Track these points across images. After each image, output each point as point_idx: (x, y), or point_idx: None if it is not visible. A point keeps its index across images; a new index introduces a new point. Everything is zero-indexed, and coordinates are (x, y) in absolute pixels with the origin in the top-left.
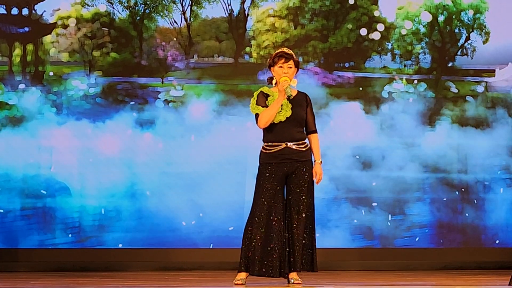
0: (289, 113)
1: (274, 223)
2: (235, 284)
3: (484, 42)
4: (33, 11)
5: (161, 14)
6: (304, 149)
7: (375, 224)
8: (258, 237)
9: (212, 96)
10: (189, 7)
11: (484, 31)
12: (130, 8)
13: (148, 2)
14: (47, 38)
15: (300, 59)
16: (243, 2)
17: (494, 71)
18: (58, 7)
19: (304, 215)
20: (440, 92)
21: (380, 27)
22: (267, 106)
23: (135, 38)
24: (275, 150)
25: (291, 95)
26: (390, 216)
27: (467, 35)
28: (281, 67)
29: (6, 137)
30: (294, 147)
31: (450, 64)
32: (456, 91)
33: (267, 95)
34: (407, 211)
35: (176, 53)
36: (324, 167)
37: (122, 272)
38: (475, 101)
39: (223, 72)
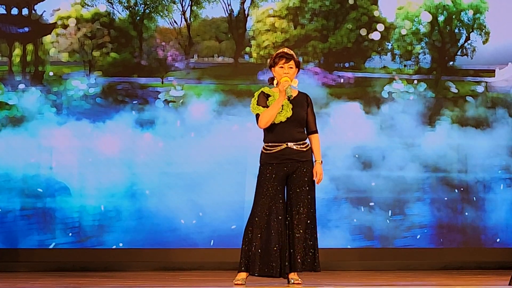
0: (289, 114)
1: (274, 223)
2: (235, 284)
3: (484, 42)
4: (33, 11)
5: (161, 14)
6: (304, 149)
7: (375, 224)
8: (259, 237)
9: (212, 96)
10: (189, 7)
11: (484, 31)
12: (130, 8)
13: (148, 2)
14: (47, 38)
15: (300, 59)
16: (243, 2)
17: (494, 71)
18: (58, 7)
19: (304, 215)
20: (440, 92)
21: (380, 27)
22: (267, 107)
23: (135, 38)
24: (276, 150)
25: (291, 96)
26: (390, 216)
27: (467, 35)
28: (282, 67)
29: (6, 137)
30: (294, 147)
31: (450, 64)
32: (456, 91)
33: (267, 95)
34: (407, 211)
35: (176, 53)
36: (324, 167)
37: (122, 272)
38: (475, 101)
39: (223, 72)
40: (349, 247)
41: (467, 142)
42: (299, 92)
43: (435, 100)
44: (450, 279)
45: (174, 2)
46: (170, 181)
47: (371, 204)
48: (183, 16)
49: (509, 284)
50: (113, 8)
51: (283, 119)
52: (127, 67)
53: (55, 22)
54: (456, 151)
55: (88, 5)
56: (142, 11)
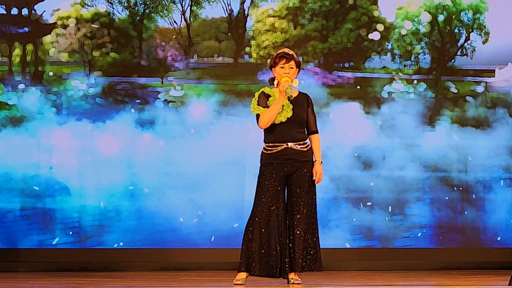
0: (290, 114)
1: (274, 223)
2: (235, 284)
3: (483, 42)
4: (33, 11)
5: (161, 14)
6: (305, 149)
7: (375, 224)
8: (259, 237)
9: (212, 96)
10: (189, 7)
11: (483, 31)
12: (130, 8)
13: (147, 2)
14: (47, 38)
15: (300, 59)
16: (242, 2)
17: (493, 71)
18: (57, 7)
19: (305, 215)
20: (440, 92)
21: (380, 27)
22: (268, 107)
23: (135, 38)
24: (276, 150)
25: (292, 96)
26: (390, 216)
27: (466, 35)
28: (282, 67)
29: (6, 137)
30: (295, 147)
31: (449, 64)
32: (455, 91)
33: (268, 96)
34: (407, 211)
35: (176, 53)
36: (324, 167)
37: (122, 272)
38: (475, 101)
39: (222, 72)
40: (349, 247)
41: (467, 142)
42: (299, 92)
43: (435, 100)
44: (449, 279)
45: (174, 2)
46: (170, 181)
47: (371, 204)
48: (183, 16)
49: (509, 284)
50: (113, 8)
51: (284, 120)
52: (127, 67)
53: (55, 22)
54: (456, 151)
55: (88, 5)
56: (142, 11)
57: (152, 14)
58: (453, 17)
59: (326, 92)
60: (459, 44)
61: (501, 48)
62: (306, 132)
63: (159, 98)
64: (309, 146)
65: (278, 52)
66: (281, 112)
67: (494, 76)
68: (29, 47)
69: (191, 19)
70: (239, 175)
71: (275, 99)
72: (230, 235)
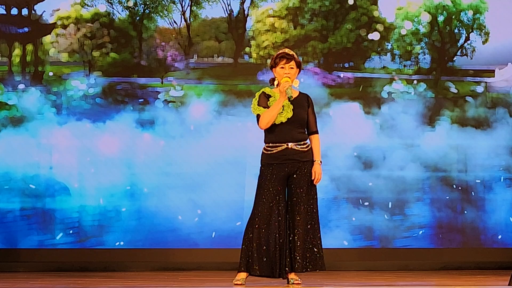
0: (290, 114)
1: (275, 223)
2: (235, 284)
3: (483, 42)
4: (33, 11)
5: (161, 14)
6: (305, 149)
7: (375, 224)
8: (259, 238)
9: (212, 97)
10: (189, 7)
11: (483, 31)
12: (130, 8)
13: (147, 2)
14: (47, 38)
15: (300, 60)
16: (242, 2)
17: (493, 71)
18: (57, 7)
19: (305, 216)
20: (439, 93)
21: (380, 27)
22: (268, 107)
23: (135, 38)
24: (277, 150)
25: (292, 96)
26: (390, 216)
27: (466, 35)
28: (283, 67)
29: (6, 137)
30: (295, 147)
31: (449, 64)
32: (455, 91)
33: (268, 96)
34: (407, 211)
35: (176, 53)
36: (324, 167)
37: (122, 272)
38: (475, 101)
39: (222, 72)
40: (349, 247)
41: (467, 142)
42: (300, 92)
43: (435, 100)
44: (449, 279)
45: (173, 2)
46: (170, 181)
47: (371, 204)
48: (182, 16)
49: (509, 284)
50: (112, 8)
51: (284, 120)
52: (126, 67)
53: (55, 22)
54: (456, 151)
55: (87, 5)
56: (142, 11)
57: (152, 14)
58: (453, 17)
59: (326, 92)
60: (459, 44)
61: (501, 48)
62: (306, 132)
63: (159, 98)
64: (310, 146)
65: (278, 52)
66: (282, 112)
67: (494, 76)
68: (29, 47)
69: (191, 19)
70: (239, 175)
71: (276, 99)
72: (230, 235)
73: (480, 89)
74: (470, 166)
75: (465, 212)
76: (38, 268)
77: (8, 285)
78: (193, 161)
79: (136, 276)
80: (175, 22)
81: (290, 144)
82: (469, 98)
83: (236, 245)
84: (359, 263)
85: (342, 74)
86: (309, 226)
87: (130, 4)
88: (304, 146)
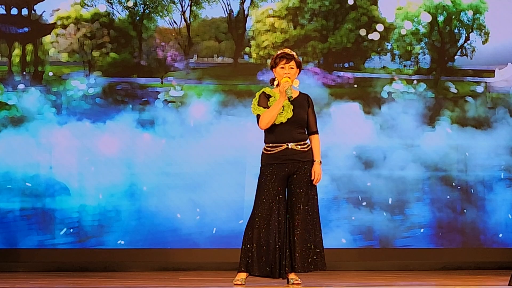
0: (290, 114)
1: (275, 223)
2: (235, 284)
3: (483, 43)
4: (33, 11)
5: (161, 14)
6: (305, 150)
7: (375, 224)
8: (259, 238)
9: (212, 97)
10: (189, 7)
11: (483, 31)
12: (130, 9)
13: (147, 3)
14: (47, 38)
15: (300, 59)
16: (242, 3)
17: (493, 71)
18: (57, 7)
19: (305, 216)
20: (439, 93)
21: (380, 27)
22: (268, 107)
23: (135, 38)
24: (277, 151)
25: (292, 97)
26: (390, 216)
27: (466, 35)
28: (283, 68)
29: (6, 137)
30: (295, 147)
31: (449, 65)
32: (455, 91)
33: (268, 96)
34: (407, 211)
35: (176, 53)
36: (324, 167)
37: (122, 272)
38: (475, 101)
39: (222, 72)
40: (349, 247)
41: (467, 142)
42: (300, 92)
43: (435, 100)
44: (449, 279)
45: (173, 2)
46: (170, 181)
47: (371, 204)
48: (182, 16)
49: (509, 285)
50: (112, 8)
51: (284, 120)
52: (126, 67)
53: (55, 22)
54: (456, 151)
55: (87, 5)
56: (142, 11)
57: (152, 14)
58: (453, 17)
59: (326, 92)
60: (459, 44)
61: (501, 48)
62: (306, 133)
63: (159, 98)
64: (310, 146)
65: (278, 52)
66: (282, 112)
67: (494, 76)
68: (29, 47)
69: (191, 19)
70: (239, 175)
71: (276, 99)
72: (230, 235)
73: (480, 89)
74: (470, 166)
75: (465, 212)
76: (38, 268)
77: (8, 285)
78: (193, 161)
79: (136, 276)
80: (175, 22)
81: (290, 144)
82: (469, 98)
83: (236, 245)
84: (359, 263)
85: (342, 74)
86: (310, 226)
87: (130, 4)
88: (304, 146)
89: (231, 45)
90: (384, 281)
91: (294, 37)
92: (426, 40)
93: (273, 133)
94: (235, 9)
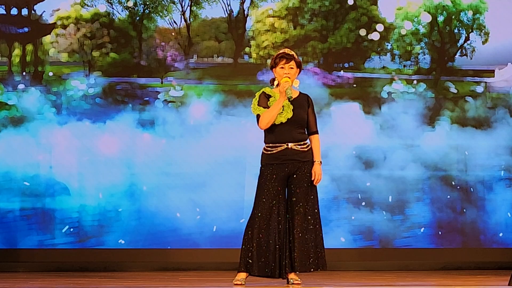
0: (290, 115)
1: (275, 223)
2: (235, 284)
3: (483, 43)
4: (33, 11)
5: (161, 14)
6: (305, 149)
7: (375, 224)
8: (258, 238)
9: (212, 97)
10: (189, 7)
11: (483, 31)
12: (130, 9)
13: (147, 3)
14: (47, 38)
15: (300, 59)
16: (242, 3)
17: (493, 71)
18: (57, 8)
19: (305, 216)
20: (439, 93)
21: (380, 27)
22: (268, 107)
23: (135, 38)
24: (277, 151)
25: (291, 97)
26: (390, 216)
27: (466, 35)
28: (283, 68)
29: (6, 137)
30: (295, 147)
31: (449, 65)
32: (455, 91)
33: (269, 96)
34: (407, 211)
35: (176, 53)
36: (325, 167)
37: (121, 272)
38: (474, 102)
39: (222, 72)
40: (349, 247)
41: (467, 142)
42: (300, 93)
43: (435, 100)
44: (449, 280)
45: (173, 3)
46: (170, 181)
47: (371, 204)
48: (182, 16)
49: (509, 285)
50: (112, 8)
51: (284, 120)
52: (126, 67)
53: (55, 22)
54: (456, 151)
55: (87, 5)
56: (142, 11)
57: (152, 14)
58: (453, 17)
59: (326, 92)
60: (458, 44)
61: (500, 48)
62: (306, 133)
63: (158, 98)
64: (310, 146)
65: (278, 52)
66: (281, 112)
67: (493, 76)
68: (29, 47)
69: (191, 19)
70: (239, 175)
71: (276, 99)
72: (230, 235)
73: (480, 89)
74: (470, 166)
75: (465, 212)
76: (38, 268)
77: (8, 285)
78: (193, 161)
79: (136, 276)
80: (175, 22)
81: (290, 144)
82: (469, 98)
83: (236, 245)
84: (359, 263)
85: (342, 74)
86: (310, 226)
87: (130, 4)
88: (304, 146)
89: (231, 45)
90: (384, 281)
91: (294, 37)
92: (426, 40)
93: (273, 133)
94: (235, 9)
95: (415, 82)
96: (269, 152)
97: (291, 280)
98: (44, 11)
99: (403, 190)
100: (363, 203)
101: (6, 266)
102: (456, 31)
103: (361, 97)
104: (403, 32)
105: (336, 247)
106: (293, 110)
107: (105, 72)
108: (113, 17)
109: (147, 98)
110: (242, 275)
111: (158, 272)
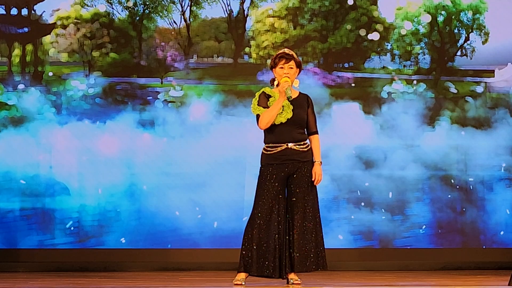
0: (290, 115)
1: (274, 224)
2: (235, 284)
3: (483, 43)
4: (33, 11)
5: (161, 14)
6: (305, 150)
7: (375, 224)
8: (258, 238)
9: (212, 97)
10: (189, 7)
11: (483, 31)
12: (130, 9)
13: (147, 3)
14: (47, 39)
15: (300, 59)
16: (242, 3)
17: (493, 71)
18: (57, 8)
19: (305, 215)
20: (439, 93)
21: (380, 27)
22: (268, 107)
23: (135, 38)
24: (276, 151)
25: (291, 97)
26: (390, 216)
27: (466, 35)
28: (282, 68)
29: (6, 137)
30: (295, 147)
31: (449, 65)
32: (455, 91)
33: (268, 96)
34: (407, 211)
35: (176, 53)
36: (325, 167)
37: (121, 272)
38: (474, 102)
39: (222, 72)
40: (349, 247)
41: (467, 142)
42: (300, 93)
43: (435, 100)
44: (449, 280)
45: (173, 3)
46: (170, 181)
47: (371, 204)
48: (182, 17)
49: (509, 285)
50: (112, 8)
51: (284, 120)
52: (126, 67)
53: (55, 23)
54: (456, 151)
55: (87, 6)
56: (142, 11)
57: (152, 14)
58: (453, 17)
59: (326, 92)
60: (458, 45)
61: (500, 48)
62: (306, 133)
63: (159, 98)
64: (309, 146)
65: (278, 52)
66: (281, 112)
67: (493, 76)
68: (29, 47)
69: (191, 19)
70: (239, 175)
71: (276, 99)
72: (230, 235)
73: (480, 89)
74: (470, 166)
75: (465, 212)
76: (38, 268)
77: (8, 285)
78: (193, 161)
79: (136, 276)
80: (175, 22)
81: (290, 145)
82: (469, 98)
83: (236, 245)
84: (359, 263)
85: (342, 74)
86: (310, 226)
87: (130, 4)
88: (304, 146)
89: (231, 45)
90: (384, 281)
91: (294, 37)
92: (426, 40)
93: (272, 133)
94: (235, 9)
95: (415, 82)
96: (269, 152)
97: (291, 280)
98: (44, 11)
99: (403, 190)
100: (364, 203)
101: (6, 266)
102: (456, 31)
103: (361, 97)
104: (403, 32)
105: (336, 247)
106: (293, 110)
107: (105, 72)
108: (113, 17)
109: (147, 98)
110: (242, 275)
111: (158, 272)
